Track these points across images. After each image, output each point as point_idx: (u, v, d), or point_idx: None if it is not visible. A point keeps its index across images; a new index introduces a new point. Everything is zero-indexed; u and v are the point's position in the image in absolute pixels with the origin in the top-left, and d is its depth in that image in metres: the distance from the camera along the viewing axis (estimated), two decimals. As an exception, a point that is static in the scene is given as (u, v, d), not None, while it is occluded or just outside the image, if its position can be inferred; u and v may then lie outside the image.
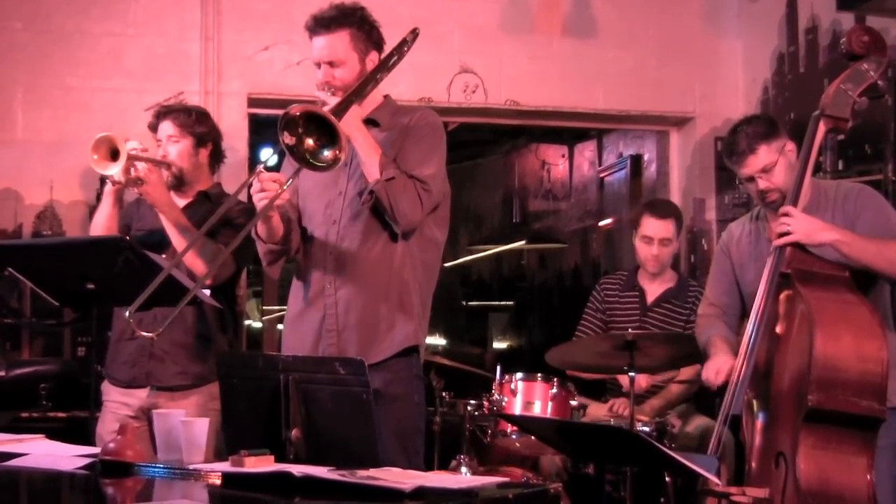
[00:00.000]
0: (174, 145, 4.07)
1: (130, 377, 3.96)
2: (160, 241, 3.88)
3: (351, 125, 3.24)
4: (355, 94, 3.30)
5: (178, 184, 4.07)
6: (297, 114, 3.03)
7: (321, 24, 3.41)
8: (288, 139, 3.04)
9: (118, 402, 3.98)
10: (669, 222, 4.83)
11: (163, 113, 4.14)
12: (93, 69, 5.00)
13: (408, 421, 3.35)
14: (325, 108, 3.12)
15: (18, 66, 4.94)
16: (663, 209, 4.93)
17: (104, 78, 4.99)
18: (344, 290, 3.39)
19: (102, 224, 3.94)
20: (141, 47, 5.05)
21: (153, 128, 4.15)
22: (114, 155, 3.78)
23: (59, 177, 4.83)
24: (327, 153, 3.07)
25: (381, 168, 3.27)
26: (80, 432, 3.90)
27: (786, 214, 3.39)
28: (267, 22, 5.17)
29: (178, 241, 3.83)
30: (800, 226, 3.37)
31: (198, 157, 4.12)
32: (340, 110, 3.16)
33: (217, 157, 4.23)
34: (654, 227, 4.83)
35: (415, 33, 3.45)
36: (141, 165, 3.82)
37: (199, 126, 4.12)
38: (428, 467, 4.28)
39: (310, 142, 3.07)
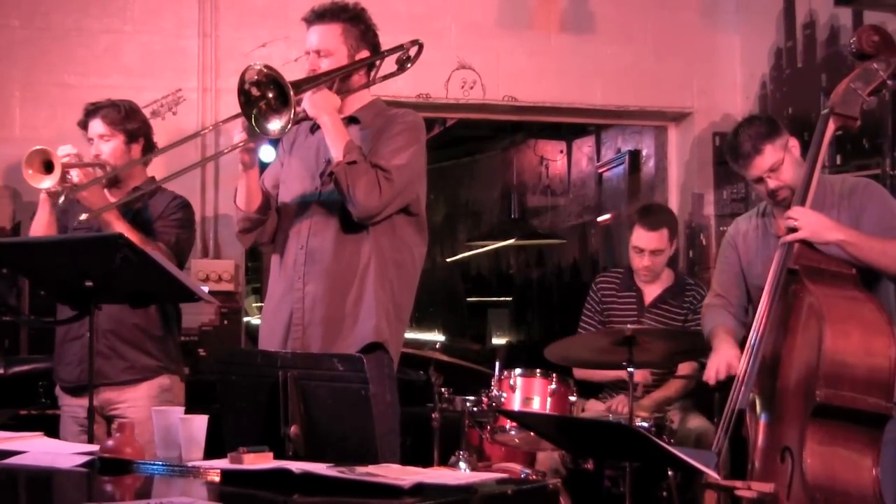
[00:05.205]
0: (106, 143, 4.00)
1: (76, 376, 3.88)
2: None
3: (320, 107, 3.31)
4: (326, 75, 3.36)
5: (113, 182, 4.00)
6: (256, 77, 3.16)
7: (318, 14, 3.48)
8: (253, 91, 3.17)
9: (74, 405, 3.92)
10: (661, 233, 4.74)
11: (91, 111, 4.04)
12: (91, 67, 5.00)
13: (379, 421, 3.18)
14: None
15: (16, 63, 4.95)
16: (655, 219, 4.80)
17: (102, 75, 4.99)
18: (311, 285, 3.38)
19: (41, 232, 3.90)
20: (139, 44, 5.05)
21: (83, 125, 4.06)
22: (47, 167, 3.76)
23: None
24: (271, 124, 3.16)
25: (344, 151, 3.28)
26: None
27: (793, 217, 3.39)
28: (264, 19, 5.17)
29: None
30: (807, 223, 3.37)
31: (130, 153, 4.03)
32: (302, 82, 3.24)
33: (149, 152, 4.11)
34: (644, 238, 4.75)
35: (417, 45, 3.52)
36: (75, 172, 3.78)
37: (130, 122, 4.03)
38: (427, 463, 4.28)
39: (263, 104, 3.17)
